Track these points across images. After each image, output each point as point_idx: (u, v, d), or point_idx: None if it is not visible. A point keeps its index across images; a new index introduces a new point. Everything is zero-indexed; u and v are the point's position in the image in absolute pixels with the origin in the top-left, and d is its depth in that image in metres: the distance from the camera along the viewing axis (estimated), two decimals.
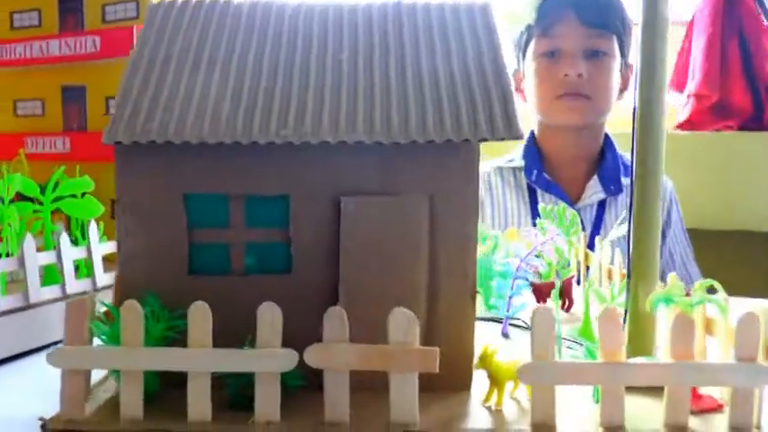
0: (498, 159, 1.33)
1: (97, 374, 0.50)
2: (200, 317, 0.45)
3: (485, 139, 0.47)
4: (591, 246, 1.17)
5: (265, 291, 0.49)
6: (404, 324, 0.43)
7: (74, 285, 0.72)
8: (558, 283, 0.62)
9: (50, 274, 0.72)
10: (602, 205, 1.23)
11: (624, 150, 1.28)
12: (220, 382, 0.46)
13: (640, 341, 0.52)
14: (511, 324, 0.67)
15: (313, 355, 0.44)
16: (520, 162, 1.29)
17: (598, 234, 1.17)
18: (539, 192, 1.26)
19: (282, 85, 0.51)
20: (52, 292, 0.70)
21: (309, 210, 0.49)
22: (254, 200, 0.50)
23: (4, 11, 0.97)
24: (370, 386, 0.44)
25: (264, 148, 0.48)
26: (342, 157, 0.49)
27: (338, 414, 0.44)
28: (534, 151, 1.29)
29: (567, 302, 0.74)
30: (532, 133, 1.31)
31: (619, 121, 1.30)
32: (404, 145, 0.47)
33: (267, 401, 0.44)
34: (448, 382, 0.49)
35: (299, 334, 0.43)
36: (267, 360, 0.44)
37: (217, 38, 0.54)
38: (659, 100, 0.52)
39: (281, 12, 0.56)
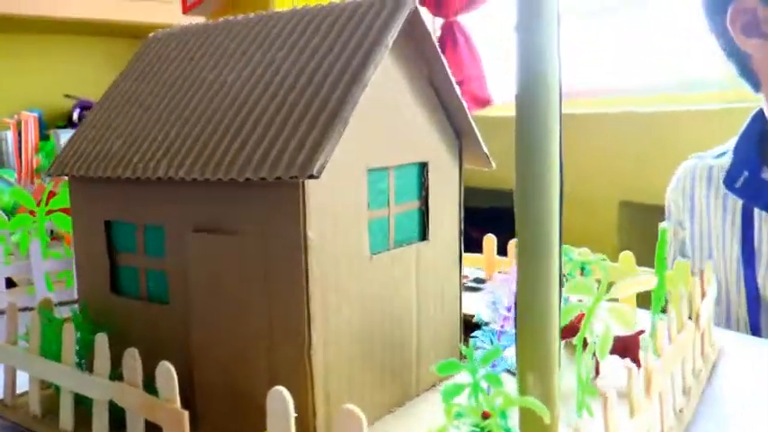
0: (707, 153, 0.89)
1: None
2: (67, 337, 0.49)
3: (279, 178, 0.40)
4: None
5: (154, 318, 0.52)
6: (165, 377, 0.41)
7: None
8: None
9: None
10: None
11: None
12: None
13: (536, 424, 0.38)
14: None
15: (114, 394, 0.45)
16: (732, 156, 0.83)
17: None
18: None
19: (170, 117, 0.51)
20: None
21: (178, 243, 0.49)
22: (150, 230, 0.52)
23: None
24: None
25: (146, 181, 0.49)
26: (197, 192, 0.47)
27: None
28: (755, 133, 0.79)
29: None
30: (759, 113, 0.81)
31: None
32: (233, 181, 0.44)
33: (97, 426, 0.47)
34: None
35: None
36: (92, 386, 0.46)
37: (161, 73, 0.57)
38: (549, 53, 0.36)
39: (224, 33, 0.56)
